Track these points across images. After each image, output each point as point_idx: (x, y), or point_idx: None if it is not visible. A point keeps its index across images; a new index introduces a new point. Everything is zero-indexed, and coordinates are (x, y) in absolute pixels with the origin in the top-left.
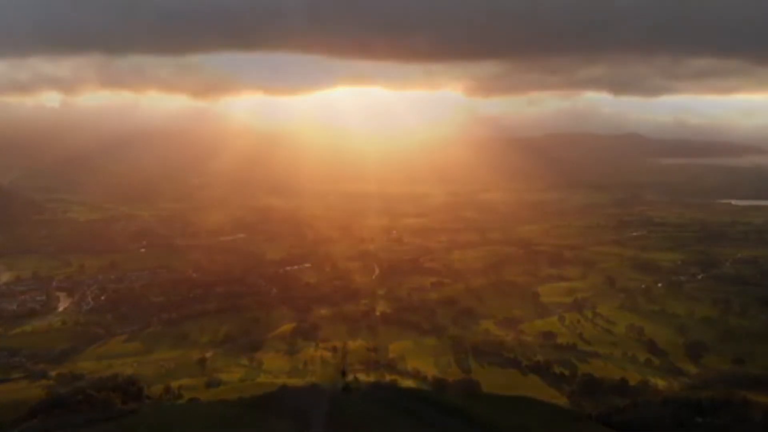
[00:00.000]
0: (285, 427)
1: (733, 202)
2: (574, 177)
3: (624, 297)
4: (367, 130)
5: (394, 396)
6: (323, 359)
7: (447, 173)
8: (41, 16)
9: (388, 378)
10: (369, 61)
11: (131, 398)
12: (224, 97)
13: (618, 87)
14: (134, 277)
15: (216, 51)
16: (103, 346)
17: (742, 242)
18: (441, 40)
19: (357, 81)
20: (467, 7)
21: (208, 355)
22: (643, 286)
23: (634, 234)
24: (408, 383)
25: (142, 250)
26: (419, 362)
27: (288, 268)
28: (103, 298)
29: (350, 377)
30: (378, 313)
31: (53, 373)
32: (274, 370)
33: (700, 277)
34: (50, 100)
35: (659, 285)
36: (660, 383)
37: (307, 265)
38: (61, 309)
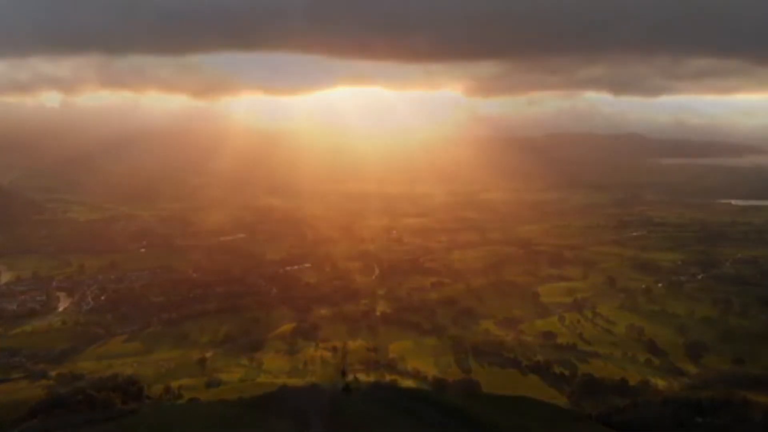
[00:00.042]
0: (285, 427)
1: (733, 202)
2: (574, 177)
3: (624, 297)
4: (367, 130)
5: (394, 396)
6: (323, 359)
7: (447, 173)
8: (41, 16)
9: (388, 378)
10: (369, 61)
11: (131, 398)
12: (224, 97)
13: (618, 87)
14: (134, 277)
15: (216, 51)
16: (103, 346)
17: (742, 242)
18: (441, 40)
19: (357, 81)
20: (467, 7)
21: (208, 355)
22: (643, 286)
23: (634, 234)
24: (408, 383)
25: (142, 250)
26: (419, 362)
27: (288, 268)
28: (103, 298)
29: (350, 377)
30: (378, 313)
31: (53, 373)
32: (274, 370)
33: (700, 277)
34: (50, 100)
35: (659, 285)
36: (660, 383)
37: (307, 265)
38: (61, 309)
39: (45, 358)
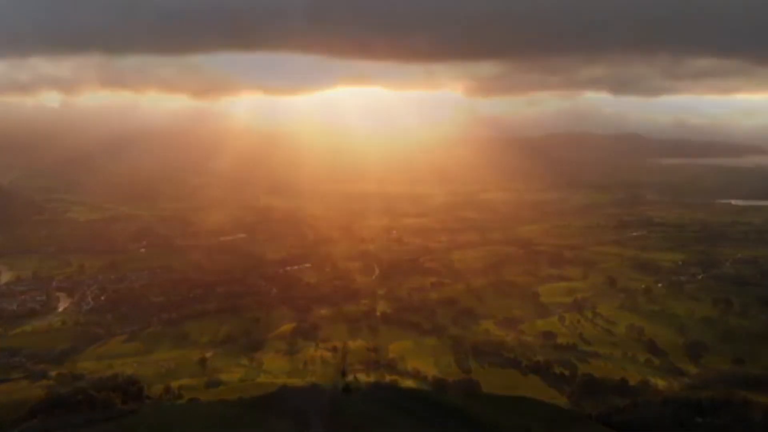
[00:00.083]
0: (285, 427)
1: (733, 202)
2: (574, 177)
3: (624, 297)
4: (368, 130)
5: (394, 396)
6: (323, 359)
7: (447, 173)
8: (41, 16)
9: (388, 378)
10: (369, 61)
11: (131, 398)
12: (224, 97)
13: (618, 87)
14: (134, 277)
15: (216, 51)
16: (103, 346)
17: (742, 242)
18: (441, 40)
19: (357, 81)
20: (467, 7)
21: (208, 355)
22: (643, 286)
23: (634, 234)
24: (408, 383)
25: (142, 250)
26: (419, 362)
27: (288, 268)
28: (103, 298)
29: (350, 377)
30: (378, 313)
31: (53, 373)
32: (274, 370)
33: (700, 277)
34: (50, 100)
35: (659, 285)
36: (660, 383)
37: (307, 265)
38: (61, 309)
39: (45, 358)
